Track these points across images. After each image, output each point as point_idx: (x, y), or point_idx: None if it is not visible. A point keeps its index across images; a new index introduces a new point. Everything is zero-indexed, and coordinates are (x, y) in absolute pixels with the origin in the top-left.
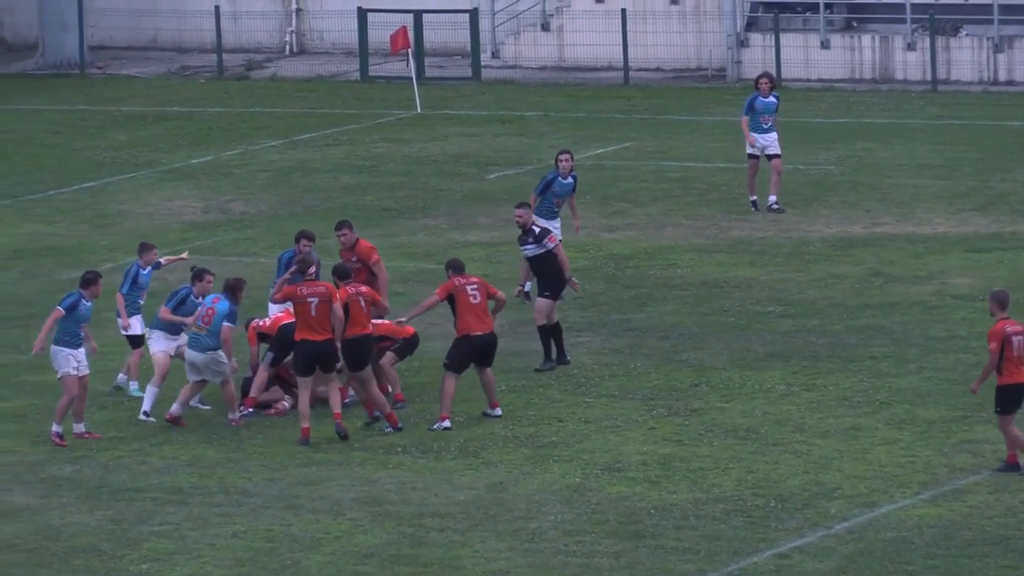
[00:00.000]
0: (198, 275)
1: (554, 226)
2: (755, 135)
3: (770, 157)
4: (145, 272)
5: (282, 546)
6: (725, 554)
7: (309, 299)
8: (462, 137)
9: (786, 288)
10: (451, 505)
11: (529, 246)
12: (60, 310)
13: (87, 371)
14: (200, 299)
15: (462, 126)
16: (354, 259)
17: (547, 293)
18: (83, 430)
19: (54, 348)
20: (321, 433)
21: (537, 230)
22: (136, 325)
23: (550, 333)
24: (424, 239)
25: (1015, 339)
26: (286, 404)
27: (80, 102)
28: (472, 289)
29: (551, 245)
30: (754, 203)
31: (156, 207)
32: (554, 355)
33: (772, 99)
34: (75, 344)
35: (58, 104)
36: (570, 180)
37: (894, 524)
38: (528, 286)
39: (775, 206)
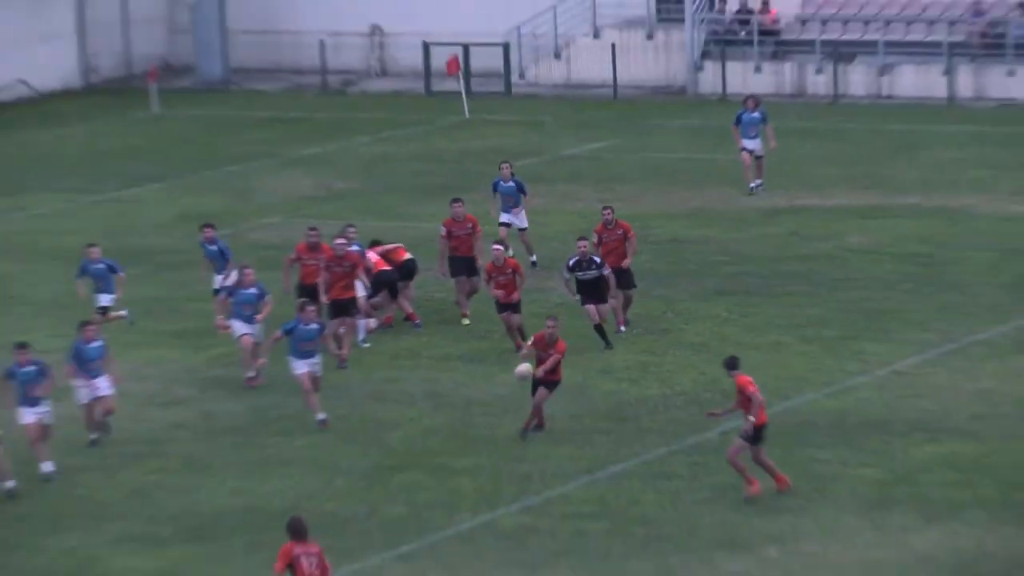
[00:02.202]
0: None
1: (517, 215)
2: (744, 141)
3: (757, 158)
4: (213, 248)
5: (372, 426)
6: (685, 432)
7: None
8: (497, 136)
9: (729, 243)
10: (491, 397)
11: (592, 272)
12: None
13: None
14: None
15: (498, 128)
16: (470, 225)
17: (594, 302)
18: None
19: None
20: (400, 346)
21: (598, 260)
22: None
23: (602, 329)
24: (471, 209)
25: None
26: (372, 324)
27: (224, 110)
28: None
29: (607, 271)
30: (753, 189)
31: (279, 185)
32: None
33: (757, 115)
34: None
35: (208, 111)
36: (512, 184)
37: (803, 411)
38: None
39: (760, 188)
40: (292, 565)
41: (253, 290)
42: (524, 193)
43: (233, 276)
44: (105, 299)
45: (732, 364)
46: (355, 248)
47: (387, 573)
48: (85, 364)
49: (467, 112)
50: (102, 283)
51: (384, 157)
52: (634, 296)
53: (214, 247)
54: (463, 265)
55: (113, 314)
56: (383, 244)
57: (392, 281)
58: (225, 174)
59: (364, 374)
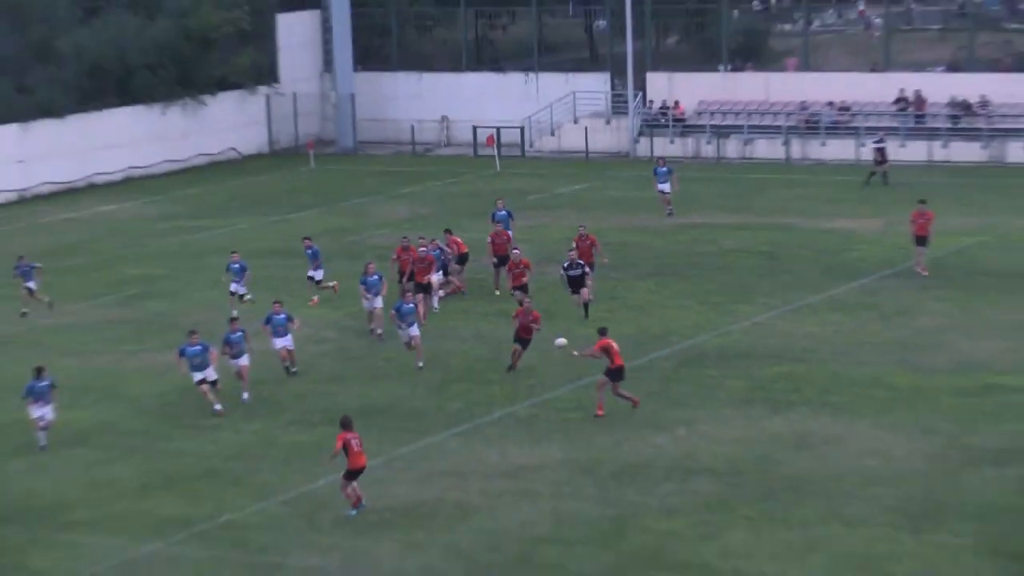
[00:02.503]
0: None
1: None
2: (659, 184)
3: (665, 194)
4: (309, 251)
5: (440, 355)
6: (627, 359)
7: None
8: (517, 181)
9: (656, 246)
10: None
11: (576, 271)
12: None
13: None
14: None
15: (518, 177)
16: (506, 237)
17: (583, 288)
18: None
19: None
20: (457, 307)
21: (581, 262)
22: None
23: (586, 306)
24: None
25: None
26: (441, 294)
27: (353, 166)
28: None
29: (586, 269)
30: (669, 214)
31: (386, 210)
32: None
33: (664, 169)
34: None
35: (344, 167)
36: (504, 212)
37: (700, 347)
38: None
39: (671, 214)
40: (345, 447)
41: (375, 277)
42: (512, 219)
43: (321, 272)
44: (235, 287)
45: (602, 332)
46: (432, 252)
47: (448, 444)
48: (275, 328)
49: (498, 167)
50: (236, 276)
51: (449, 194)
52: (594, 279)
53: (310, 251)
54: (501, 260)
55: (245, 298)
56: (452, 233)
57: (445, 264)
58: (354, 204)
59: (436, 324)
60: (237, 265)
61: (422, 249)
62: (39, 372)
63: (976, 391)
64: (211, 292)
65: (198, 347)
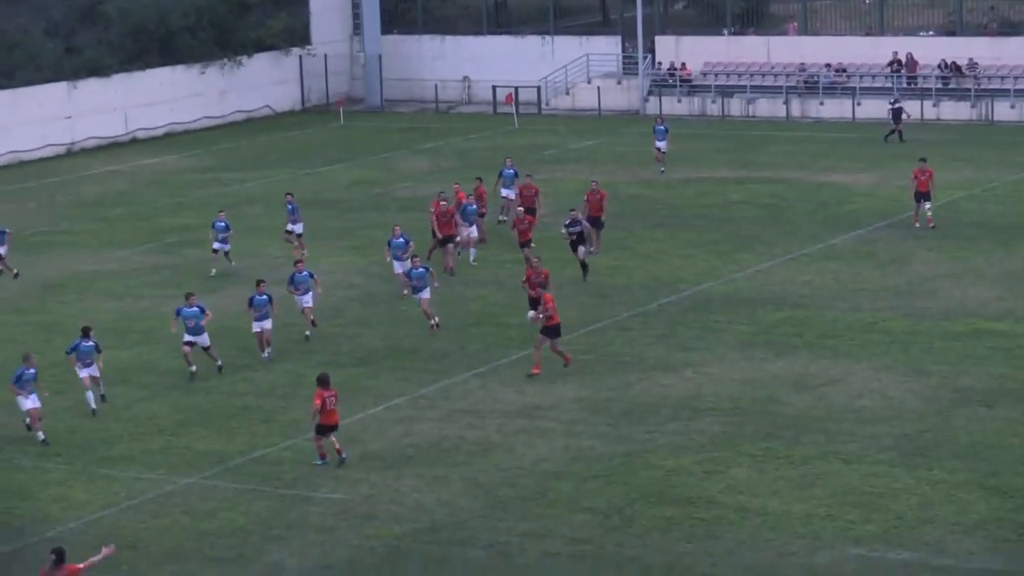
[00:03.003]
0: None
1: (511, 192)
2: (657, 142)
3: (662, 151)
4: (289, 207)
5: (459, 300)
6: (638, 304)
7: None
8: (533, 137)
9: (661, 197)
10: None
11: (576, 228)
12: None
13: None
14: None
15: (534, 133)
16: (534, 190)
17: (588, 248)
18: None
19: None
20: (477, 256)
21: (581, 219)
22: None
23: (585, 266)
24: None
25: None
26: (471, 246)
27: (380, 123)
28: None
29: (584, 225)
30: (662, 172)
31: (411, 164)
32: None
33: (663, 127)
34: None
35: (371, 123)
36: (511, 171)
37: (706, 293)
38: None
39: (662, 172)
40: (322, 403)
41: (401, 239)
42: (517, 176)
43: (300, 226)
44: (217, 245)
45: (543, 286)
46: (469, 207)
47: (468, 384)
48: (298, 286)
49: (516, 124)
50: (220, 235)
51: (470, 149)
52: (603, 232)
53: (290, 206)
54: (530, 212)
55: (218, 254)
56: (483, 183)
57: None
58: (380, 158)
59: (457, 271)
60: (223, 224)
61: (443, 203)
62: (86, 332)
63: (967, 335)
64: (245, 240)
65: (194, 309)
